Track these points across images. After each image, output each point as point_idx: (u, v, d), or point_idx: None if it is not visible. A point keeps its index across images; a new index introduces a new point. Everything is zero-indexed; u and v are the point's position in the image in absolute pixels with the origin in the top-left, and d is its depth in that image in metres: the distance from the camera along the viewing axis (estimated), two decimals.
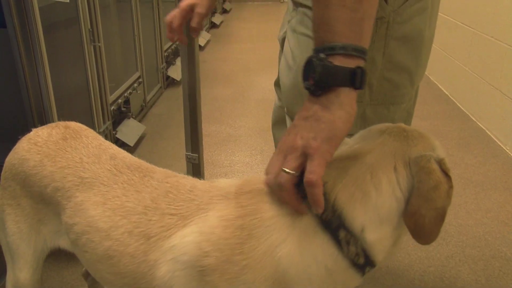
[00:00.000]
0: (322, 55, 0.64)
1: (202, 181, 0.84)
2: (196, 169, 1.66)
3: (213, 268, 0.68)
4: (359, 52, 0.65)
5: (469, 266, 1.75)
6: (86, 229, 0.84)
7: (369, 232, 0.67)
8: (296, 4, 0.97)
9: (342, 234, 0.66)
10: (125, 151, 0.96)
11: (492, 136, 2.85)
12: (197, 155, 1.61)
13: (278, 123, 1.25)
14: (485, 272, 1.72)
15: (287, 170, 0.65)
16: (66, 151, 0.92)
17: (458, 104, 3.39)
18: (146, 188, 0.84)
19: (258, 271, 0.67)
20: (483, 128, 2.97)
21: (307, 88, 0.66)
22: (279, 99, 1.32)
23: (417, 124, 3.26)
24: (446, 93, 3.62)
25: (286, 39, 1.05)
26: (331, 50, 0.64)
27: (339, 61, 0.64)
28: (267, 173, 0.70)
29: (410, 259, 1.78)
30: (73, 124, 1.01)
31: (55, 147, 0.93)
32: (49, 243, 0.98)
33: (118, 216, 0.81)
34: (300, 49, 0.95)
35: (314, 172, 0.63)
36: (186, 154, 1.60)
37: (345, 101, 0.64)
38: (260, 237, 0.68)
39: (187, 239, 0.73)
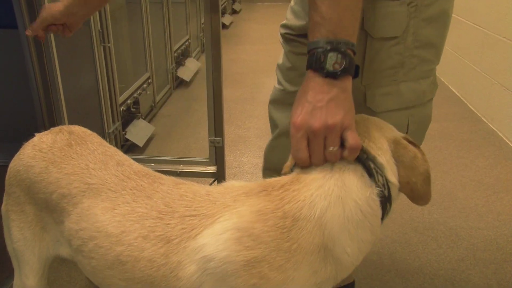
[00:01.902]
0: (343, 47, 0.74)
1: (212, 186, 0.85)
2: (219, 153, 1.80)
3: (259, 259, 0.71)
4: (356, 50, 0.78)
5: (480, 269, 1.73)
6: (94, 235, 0.84)
7: (386, 170, 0.79)
8: None
9: (371, 165, 0.78)
10: (131, 158, 0.96)
11: (504, 138, 2.82)
12: (220, 138, 1.77)
13: (276, 102, 1.28)
14: (496, 276, 1.69)
15: (335, 148, 0.76)
16: (72, 157, 0.92)
17: (469, 105, 3.36)
18: (157, 193, 0.84)
19: (307, 247, 0.73)
20: (495, 130, 2.94)
21: (331, 72, 0.74)
22: (279, 82, 1.36)
23: None
24: (457, 94, 3.59)
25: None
26: (348, 45, 0.75)
27: (351, 54, 0.76)
28: (313, 162, 0.78)
29: (420, 262, 1.76)
30: (77, 129, 1.00)
31: (60, 153, 0.93)
32: (52, 251, 0.98)
33: (130, 221, 0.81)
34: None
35: (355, 138, 0.76)
36: (209, 138, 1.76)
37: (350, 85, 0.78)
38: (306, 215, 0.74)
39: (223, 236, 0.73)
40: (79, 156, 0.92)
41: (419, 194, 0.82)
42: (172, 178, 0.89)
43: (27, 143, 0.99)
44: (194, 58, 4.25)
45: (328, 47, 0.74)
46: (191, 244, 0.76)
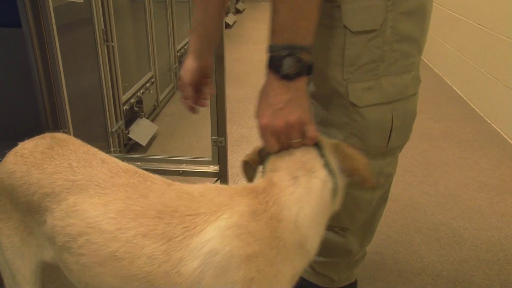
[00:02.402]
0: (297, 53, 0.84)
1: (203, 184, 0.89)
2: (222, 152, 1.80)
3: (257, 254, 0.79)
4: (311, 52, 0.87)
5: (483, 271, 1.72)
6: (85, 230, 0.83)
7: (335, 165, 0.93)
8: None
9: (327, 160, 0.91)
10: (115, 157, 0.96)
11: (507, 138, 2.81)
12: (223, 138, 1.77)
13: None
14: (500, 278, 1.69)
15: (298, 140, 0.89)
16: (54, 158, 0.92)
17: (472, 106, 3.35)
18: (151, 192, 0.85)
19: (290, 245, 0.83)
20: (498, 130, 2.93)
21: (286, 75, 0.85)
22: None
23: (431, 126, 3.23)
24: (461, 95, 3.58)
25: None
26: (303, 50, 0.85)
27: (305, 58, 0.86)
28: (282, 149, 0.91)
29: (423, 263, 1.76)
30: (59, 135, 1.00)
31: (41, 156, 0.93)
32: (39, 256, 0.98)
33: (126, 218, 0.81)
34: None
35: (313, 131, 0.90)
36: (212, 138, 1.76)
37: (305, 84, 0.88)
38: (286, 217, 0.83)
39: (228, 232, 0.78)
40: (61, 156, 0.92)
41: (367, 177, 0.95)
42: (162, 177, 0.91)
43: (10, 152, 0.98)
44: None
45: (285, 53, 0.84)
46: (194, 240, 0.78)
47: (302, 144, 0.91)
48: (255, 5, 8.06)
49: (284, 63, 0.85)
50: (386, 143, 1.16)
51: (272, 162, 0.92)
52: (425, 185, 2.31)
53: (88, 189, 0.86)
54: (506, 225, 1.99)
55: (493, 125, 3.01)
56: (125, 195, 0.84)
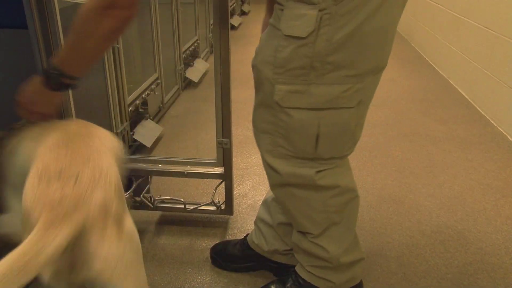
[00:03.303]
0: (58, 77, 1.09)
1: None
2: (227, 154, 1.81)
3: None
4: (71, 78, 1.10)
5: (488, 274, 1.72)
6: None
7: None
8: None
9: None
10: None
11: None
12: (228, 139, 1.78)
13: None
14: (505, 281, 1.68)
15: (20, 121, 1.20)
16: None
17: (478, 108, 3.34)
18: None
19: None
20: (504, 133, 2.92)
21: (49, 86, 1.11)
22: None
23: (435, 128, 3.21)
24: (466, 97, 3.57)
25: None
26: (69, 77, 1.10)
27: (67, 82, 1.10)
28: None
29: (428, 265, 1.75)
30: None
31: None
32: None
33: None
34: (266, 34, 1.18)
35: (33, 117, 1.20)
36: (217, 139, 1.77)
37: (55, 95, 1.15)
38: None
39: None
40: None
41: None
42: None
43: None
44: (202, 59, 4.26)
45: (55, 73, 1.08)
46: None
47: (22, 125, 1.17)
48: (260, 7, 8.06)
49: (51, 80, 1.09)
50: (314, 149, 1.19)
51: None
52: (430, 187, 2.30)
53: None
54: (511, 228, 1.98)
55: (498, 127, 3.00)
56: None
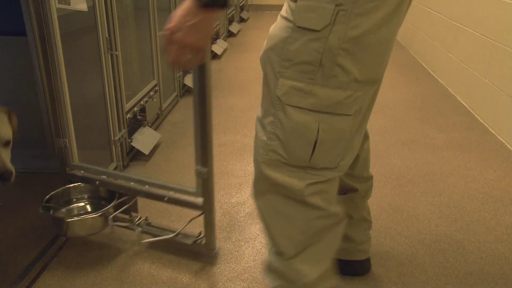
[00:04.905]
0: None
1: None
2: (205, 184, 1.60)
3: None
4: None
5: (489, 284, 1.70)
6: None
7: None
8: None
9: None
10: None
11: None
12: (206, 169, 1.56)
13: None
14: None
15: (186, 58, 1.10)
16: None
17: (477, 116, 3.34)
18: None
19: None
20: (503, 141, 2.91)
21: (204, 3, 0.99)
22: None
23: (434, 137, 3.20)
24: (465, 105, 3.57)
25: None
26: None
27: None
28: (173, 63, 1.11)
29: (427, 275, 1.74)
30: None
31: None
32: None
33: None
34: (275, 27, 1.15)
35: (203, 57, 1.17)
36: (196, 167, 1.56)
37: (215, 14, 1.05)
38: None
39: None
40: None
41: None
42: None
43: None
44: None
45: None
46: None
47: (189, 63, 1.10)
48: (259, 14, 8.09)
49: None
50: (309, 156, 1.13)
51: None
52: (429, 196, 2.29)
53: None
54: (511, 238, 1.97)
55: (497, 136, 3.00)
56: None
